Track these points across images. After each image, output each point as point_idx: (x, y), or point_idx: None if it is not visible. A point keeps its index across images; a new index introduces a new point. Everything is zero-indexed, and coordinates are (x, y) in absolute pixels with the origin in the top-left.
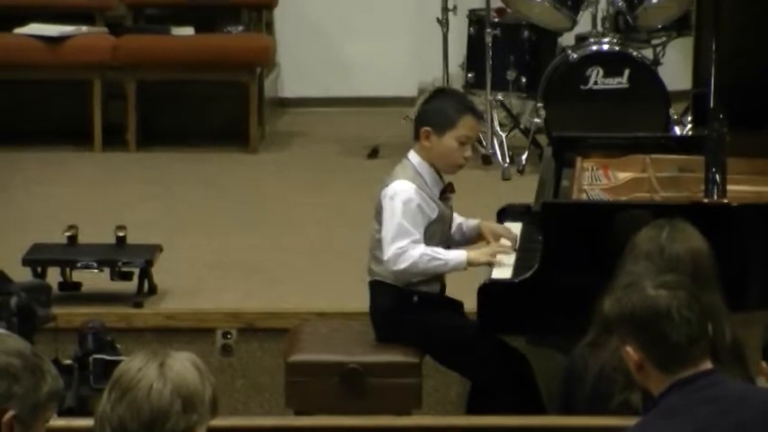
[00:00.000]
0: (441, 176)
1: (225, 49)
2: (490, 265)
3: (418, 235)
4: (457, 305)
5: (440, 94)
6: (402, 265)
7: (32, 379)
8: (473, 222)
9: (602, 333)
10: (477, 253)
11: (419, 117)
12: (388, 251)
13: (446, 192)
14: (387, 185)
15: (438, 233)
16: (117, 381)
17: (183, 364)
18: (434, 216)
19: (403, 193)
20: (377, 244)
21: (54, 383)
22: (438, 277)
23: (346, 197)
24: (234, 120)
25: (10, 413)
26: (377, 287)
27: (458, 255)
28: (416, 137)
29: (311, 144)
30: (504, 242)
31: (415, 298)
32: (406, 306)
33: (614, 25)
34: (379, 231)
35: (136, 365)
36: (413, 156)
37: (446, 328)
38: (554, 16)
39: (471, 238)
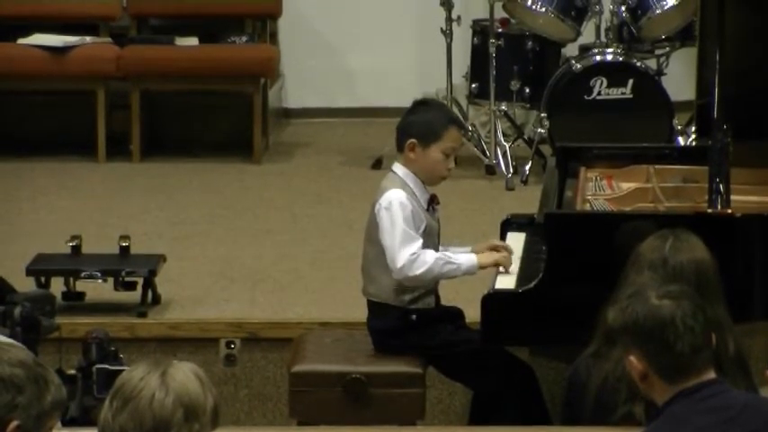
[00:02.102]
0: (425, 187)
1: (229, 60)
2: (497, 266)
3: (421, 240)
4: (456, 314)
5: (422, 105)
6: (418, 271)
7: (36, 389)
8: (462, 250)
9: (606, 343)
10: (486, 255)
11: (403, 129)
12: (401, 258)
13: (432, 202)
14: (378, 199)
15: (429, 247)
16: (119, 390)
17: (185, 374)
18: (422, 227)
19: (397, 200)
20: (371, 264)
21: (57, 393)
22: (432, 289)
23: (350, 208)
24: (238, 130)
25: (14, 423)
26: (374, 308)
27: (469, 258)
28: (400, 149)
29: (315, 154)
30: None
31: (414, 317)
32: (405, 326)
33: (618, 36)
34: (373, 250)
35: (138, 375)
36: (398, 167)
37: (448, 343)
38: (558, 27)
39: None
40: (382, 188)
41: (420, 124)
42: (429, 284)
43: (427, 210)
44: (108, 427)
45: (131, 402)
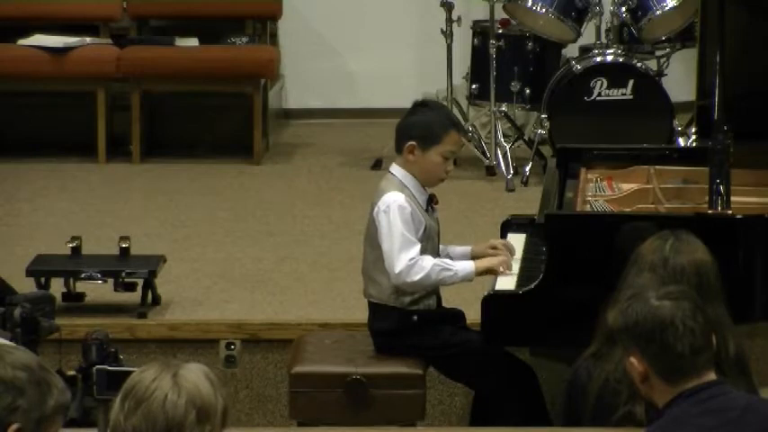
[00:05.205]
0: (424, 188)
1: (229, 61)
2: (496, 273)
3: (420, 244)
4: (457, 316)
5: (422, 107)
6: (416, 277)
7: (38, 393)
8: (461, 249)
9: (606, 344)
10: (485, 261)
11: (403, 131)
12: (399, 264)
13: (431, 202)
14: (377, 202)
15: (428, 249)
16: (131, 391)
17: (196, 376)
18: (422, 230)
19: (395, 203)
20: (371, 266)
21: (61, 396)
22: (434, 291)
23: (350, 208)
24: (238, 131)
25: (14, 426)
26: (375, 309)
27: (466, 265)
28: (398, 150)
29: (315, 155)
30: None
31: (415, 318)
32: (406, 328)
33: (618, 37)
34: (373, 253)
35: (150, 376)
36: (396, 169)
37: (449, 344)
38: (558, 28)
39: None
40: (380, 190)
41: (420, 127)
42: (427, 289)
43: (426, 210)
44: (120, 427)
45: (144, 403)
